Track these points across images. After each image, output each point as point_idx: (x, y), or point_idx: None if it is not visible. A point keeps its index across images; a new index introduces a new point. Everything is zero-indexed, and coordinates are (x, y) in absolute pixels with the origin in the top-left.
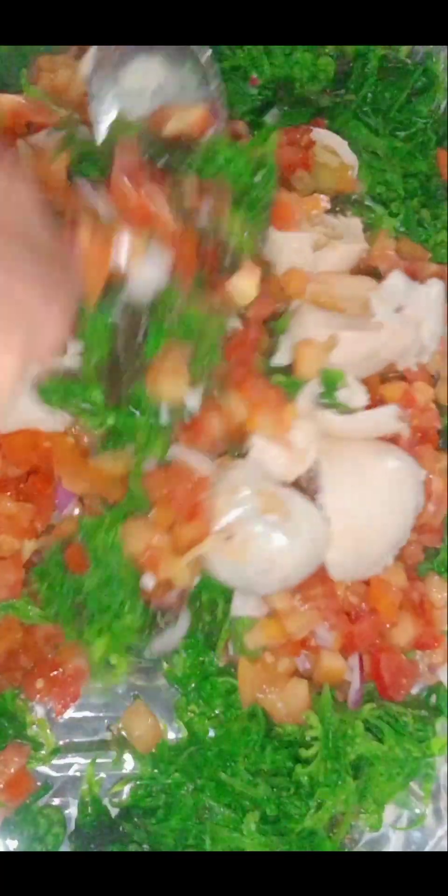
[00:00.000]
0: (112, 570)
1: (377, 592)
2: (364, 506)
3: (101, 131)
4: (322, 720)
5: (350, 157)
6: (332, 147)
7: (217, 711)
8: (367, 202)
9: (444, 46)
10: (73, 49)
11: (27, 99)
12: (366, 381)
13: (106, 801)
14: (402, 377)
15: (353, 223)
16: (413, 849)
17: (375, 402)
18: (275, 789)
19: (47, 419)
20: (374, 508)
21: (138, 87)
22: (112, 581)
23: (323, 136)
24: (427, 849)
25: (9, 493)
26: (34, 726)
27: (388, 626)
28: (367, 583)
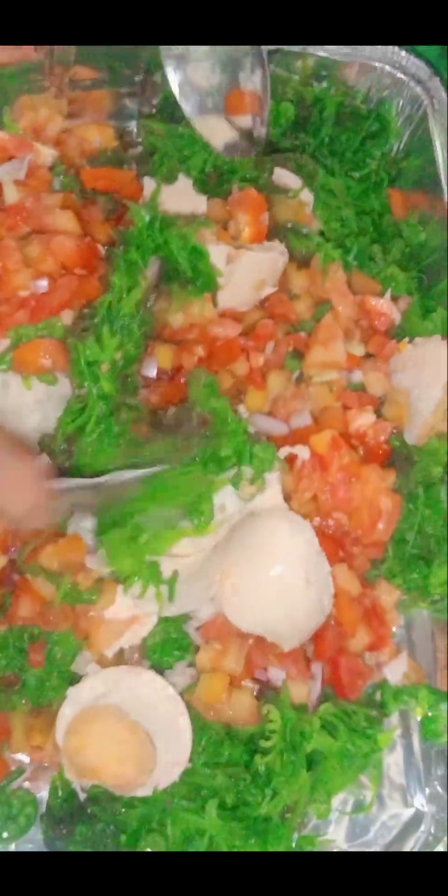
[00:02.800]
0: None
1: (342, 607)
2: (265, 595)
3: (187, 109)
4: (281, 715)
5: (306, 195)
6: (290, 185)
7: None
8: (315, 237)
9: (396, 95)
10: (53, 89)
11: (10, 135)
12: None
13: (75, 786)
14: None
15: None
16: (357, 831)
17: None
18: (232, 779)
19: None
20: (277, 590)
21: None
22: (47, 690)
23: (282, 175)
24: (371, 833)
25: None
26: None
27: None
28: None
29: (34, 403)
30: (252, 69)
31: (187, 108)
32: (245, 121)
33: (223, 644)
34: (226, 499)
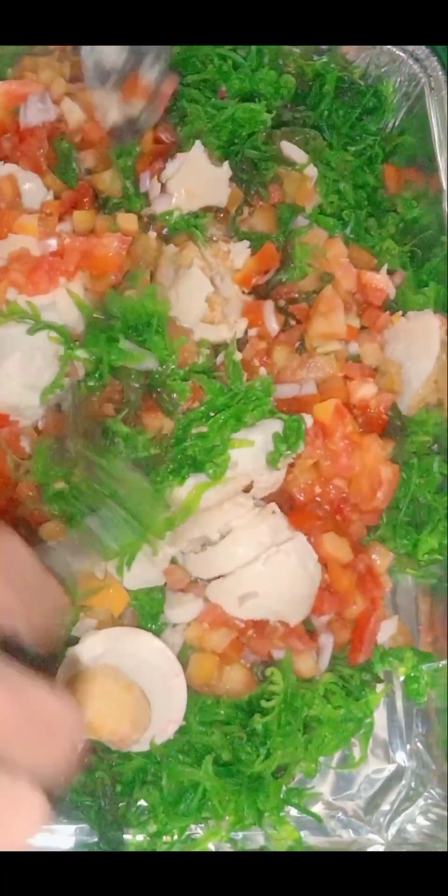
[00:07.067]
0: None
1: (335, 575)
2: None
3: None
4: (283, 679)
5: (310, 170)
6: (295, 159)
7: None
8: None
9: (394, 73)
10: (56, 51)
11: (18, 83)
12: None
13: None
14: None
15: None
16: (342, 785)
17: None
18: (228, 736)
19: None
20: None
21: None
22: None
23: (288, 149)
24: (355, 787)
25: None
26: None
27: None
28: (325, 565)
29: None
30: (153, 61)
31: (89, 76)
32: (135, 108)
33: (212, 625)
34: (239, 456)
